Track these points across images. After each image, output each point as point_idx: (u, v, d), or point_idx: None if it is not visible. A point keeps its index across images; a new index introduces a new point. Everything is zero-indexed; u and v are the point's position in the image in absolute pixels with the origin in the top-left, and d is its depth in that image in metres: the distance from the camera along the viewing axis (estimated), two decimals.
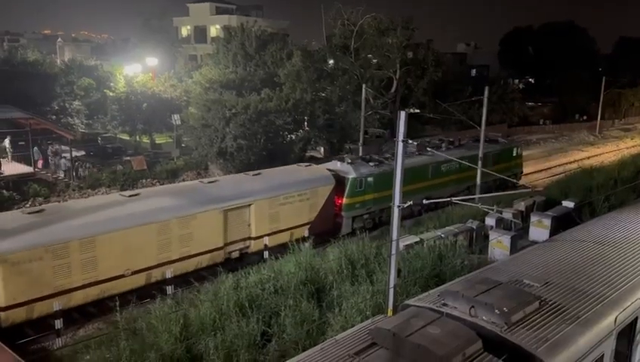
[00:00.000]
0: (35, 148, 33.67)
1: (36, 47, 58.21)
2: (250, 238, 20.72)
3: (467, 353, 7.77)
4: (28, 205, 27.14)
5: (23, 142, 34.49)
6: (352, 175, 23.98)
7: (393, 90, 41.57)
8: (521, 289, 9.93)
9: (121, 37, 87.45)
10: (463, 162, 21.47)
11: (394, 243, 11.31)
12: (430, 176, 27.77)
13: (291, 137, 35.60)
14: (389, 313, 11.15)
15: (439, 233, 20.00)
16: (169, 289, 17.38)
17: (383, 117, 39.76)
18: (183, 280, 18.02)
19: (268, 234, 20.93)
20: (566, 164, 42.27)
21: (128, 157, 37.21)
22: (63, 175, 32.97)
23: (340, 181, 23.76)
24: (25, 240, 14.95)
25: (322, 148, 39.40)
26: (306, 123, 36.90)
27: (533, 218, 22.36)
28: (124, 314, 14.46)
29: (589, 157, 45.83)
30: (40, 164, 33.37)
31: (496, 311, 8.72)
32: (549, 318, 8.96)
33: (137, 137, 43.50)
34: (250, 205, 20.41)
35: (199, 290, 15.66)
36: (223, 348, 12.25)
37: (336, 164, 24.80)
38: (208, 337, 12.64)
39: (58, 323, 14.80)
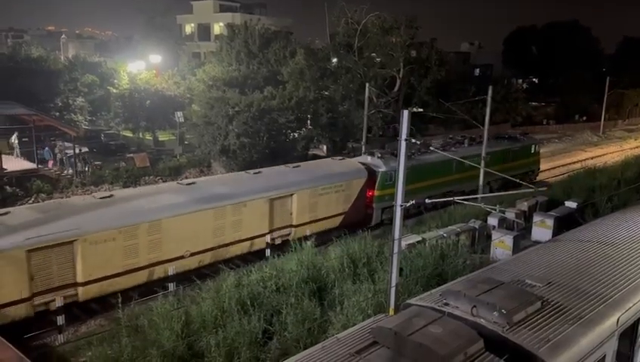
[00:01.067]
0: (47, 148, 33.85)
1: (40, 43, 58.26)
2: (291, 226, 21.96)
3: (469, 352, 7.76)
4: (31, 201, 27.20)
5: (26, 139, 34.59)
6: (382, 168, 25.22)
7: (396, 89, 41.46)
8: (523, 289, 9.91)
9: (125, 34, 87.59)
10: (464, 164, 21.79)
11: (396, 242, 11.31)
12: (454, 171, 28.63)
13: (294, 135, 35.58)
14: (391, 312, 11.15)
15: (441, 232, 19.98)
16: (171, 286, 17.42)
17: (386, 116, 39.70)
18: (184, 278, 18.07)
19: (307, 223, 22.21)
20: (570, 164, 42.21)
21: (131, 154, 37.28)
22: (72, 171, 33.04)
23: (371, 174, 24.99)
24: (101, 222, 16.30)
25: (325, 147, 39.38)
26: (308, 121, 36.87)
27: (536, 218, 22.32)
28: (126, 311, 14.50)
29: (592, 158, 45.73)
30: (50, 163, 33.38)
31: (498, 311, 8.71)
32: (551, 318, 8.95)
33: (140, 134, 43.59)
34: (292, 195, 21.72)
35: (201, 288, 15.68)
36: (225, 346, 12.26)
37: (366, 158, 25.98)
38: (210, 334, 12.66)
39: (60, 320, 14.84)
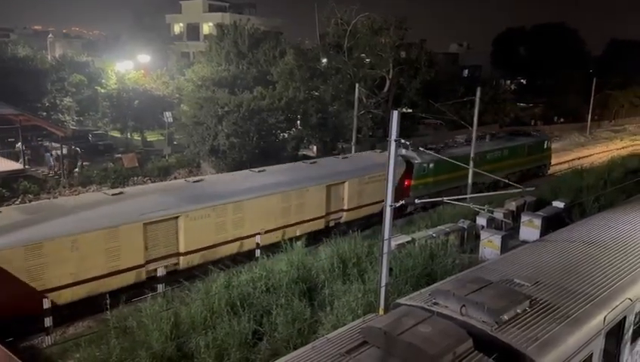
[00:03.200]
0: (48, 153, 33.60)
1: (27, 42, 57.52)
2: (343, 210, 24.47)
3: (458, 352, 7.81)
4: (18, 202, 26.93)
5: (12, 139, 34.22)
6: (417, 160, 27.86)
7: (386, 89, 41.54)
8: (512, 288, 9.99)
9: (113, 34, 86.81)
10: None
11: (386, 242, 11.34)
12: (487, 161, 31.77)
13: (284, 136, 35.53)
14: (381, 312, 11.17)
15: (431, 232, 20.09)
16: (160, 287, 17.33)
17: (376, 116, 39.77)
18: (173, 279, 17.99)
19: (355, 208, 24.68)
20: (556, 164, 42.62)
21: (119, 155, 37.00)
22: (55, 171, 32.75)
23: (408, 165, 27.49)
24: (198, 201, 18.77)
25: (315, 147, 39.38)
26: (298, 121, 36.84)
27: (524, 218, 22.50)
28: (115, 313, 14.40)
29: (579, 158, 46.17)
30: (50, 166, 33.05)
31: (487, 310, 8.77)
32: (539, 317, 9.03)
33: (128, 134, 43.25)
34: (344, 182, 24.17)
35: (190, 289, 15.62)
36: (214, 347, 12.23)
37: (401, 151, 27.07)
38: (199, 335, 12.61)
39: (47, 321, 14.70)
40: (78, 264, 15.79)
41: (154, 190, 19.74)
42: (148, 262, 17.51)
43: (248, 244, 20.27)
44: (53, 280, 15.32)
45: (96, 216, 16.43)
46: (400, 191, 25.75)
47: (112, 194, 18.05)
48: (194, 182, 20.40)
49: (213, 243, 19.13)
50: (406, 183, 27.24)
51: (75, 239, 15.67)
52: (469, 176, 28.28)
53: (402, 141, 11.19)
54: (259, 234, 20.43)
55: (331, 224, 23.97)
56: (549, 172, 39.12)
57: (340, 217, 24.40)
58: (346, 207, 24.48)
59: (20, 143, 33.04)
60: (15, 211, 16.83)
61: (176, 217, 18.11)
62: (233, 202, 19.71)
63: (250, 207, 20.25)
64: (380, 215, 22.47)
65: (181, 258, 18.44)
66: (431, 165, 28.12)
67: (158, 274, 17.56)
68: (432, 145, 30.39)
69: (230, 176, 22.95)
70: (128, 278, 16.99)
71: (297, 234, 21.34)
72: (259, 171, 22.52)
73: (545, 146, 38.23)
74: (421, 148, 26.49)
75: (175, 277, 17.88)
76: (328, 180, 23.47)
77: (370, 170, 25.25)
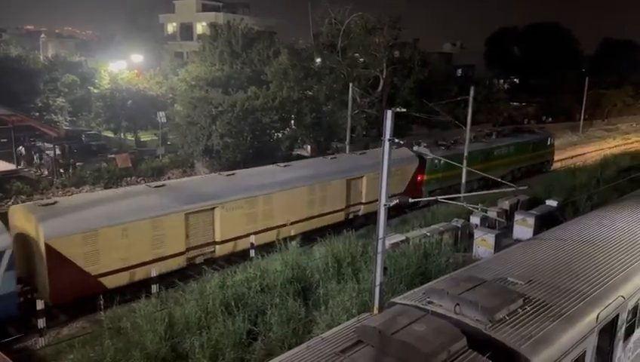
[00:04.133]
0: (37, 154, 33.46)
1: (19, 42, 57.24)
2: (361, 203, 25.44)
3: (452, 350, 7.83)
4: (10, 203, 26.78)
5: (5, 140, 34.00)
6: (429, 156, 29.10)
7: (380, 89, 41.56)
8: (505, 287, 10.04)
9: (106, 33, 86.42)
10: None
11: (380, 242, 11.35)
12: (495, 157, 33.76)
13: (278, 135, 35.49)
14: (375, 311, 11.19)
15: (425, 231, 20.12)
16: (154, 287, 17.27)
17: (370, 116, 39.81)
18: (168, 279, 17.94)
19: (373, 201, 24.63)
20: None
21: (113, 155, 36.85)
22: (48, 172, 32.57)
23: (421, 160, 28.73)
24: (231, 193, 19.97)
25: (309, 147, 39.37)
26: (292, 121, 36.80)
27: (518, 217, 22.58)
28: (109, 313, 14.34)
29: (572, 157, 46.43)
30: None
31: (481, 308, 8.80)
32: (533, 316, 9.07)
33: (122, 135, 43.08)
34: (362, 176, 25.17)
35: (184, 289, 15.58)
36: (209, 347, 12.20)
37: (414, 147, 29.69)
38: (193, 336, 12.58)
39: (41, 322, 14.62)
40: (128, 250, 16.96)
41: (191, 183, 21.39)
42: (188, 250, 18.86)
43: (275, 235, 21.03)
44: (106, 265, 16.47)
45: (142, 207, 17.65)
46: (413, 186, 28.08)
47: (155, 186, 19.42)
48: (227, 175, 21.70)
49: (245, 232, 20.32)
50: (419, 178, 28.46)
51: (126, 227, 16.84)
52: (477, 172, 28.75)
53: (396, 140, 11.20)
54: (285, 225, 21.78)
55: (350, 216, 25.05)
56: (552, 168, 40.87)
57: (359, 210, 25.38)
58: (364, 200, 25.51)
59: (21, 147, 32.99)
60: (71, 201, 18.22)
61: (213, 208, 19.41)
62: (263, 194, 20.95)
63: (278, 199, 21.46)
64: (395, 208, 23.04)
65: (217, 246, 19.74)
66: (441, 161, 29.26)
67: (196, 262, 18.97)
68: (443, 142, 31.61)
69: (259, 170, 23.94)
70: (171, 264, 18.22)
71: (320, 225, 22.71)
72: (284, 166, 23.86)
73: (548, 143, 39.83)
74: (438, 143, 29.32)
75: (211, 265, 18.58)
76: (348, 174, 24.55)
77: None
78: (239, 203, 20.06)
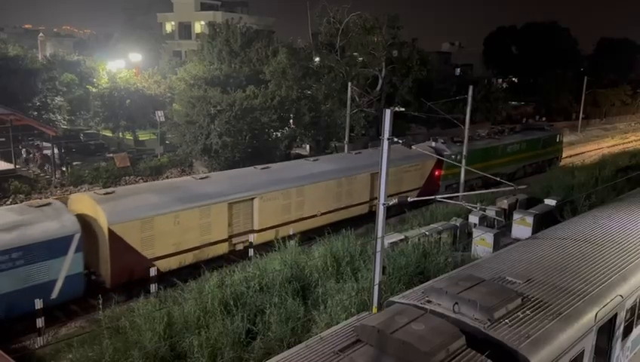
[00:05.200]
0: (30, 154, 33.42)
1: (17, 41, 57.17)
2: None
3: (451, 349, 7.84)
4: (9, 202, 26.73)
5: (3, 139, 33.93)
6: (447, 152, 30.11)
7: (378, 88, 41.54)
8: (504, 286, 10.05)
9: (105, 32, 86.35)
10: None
11: (379, 241, 11.36)
12: (500, 155, 34.97)
13: (277, 135, 35.47)
14: (374, 310, 11.20)
15: (423, 230, 20.13)
16: (153, 287, 17.27)
17: (369, 115, 39.79)
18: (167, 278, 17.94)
19: (396, 194, 25.99)
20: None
21: (111, 154, 36.79)
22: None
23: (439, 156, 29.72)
24: (268, 185, 21.33)
25: (308, 146, 39.34)
26: (291, 120, 36.78)
27: (516, 216, 22.61)
28: (107, 313, 14.33)
29: (570, 156, 46.50)
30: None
31: (480, 307, 8.81)
32: (531, 315, 9.08)
33: (120, 134, 43.01)
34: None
35: (183, 288, 15.57)
36: (208, 346, 12.19)
37: (431, 143, 31.19)
38: (192, 335, 12.57)
39: (39, 322, 14.61)
40: (179, 236, 18.30)
41: (232, 175, 22.53)
42: (231, 237, 20.23)
43: (307, 225, 22.60)
44: (160, 249, 17.78)
45: (191, 196, 19.00)
46: (432, 180, 29.39)
47: (200, 178, 20.88)
48: (262, 168, 22.94)
49: (279, 222, 21.61)
50: (437, 173, 29.53)
51: (178, 215, 18.19)
52: (493, 166, 32.02)
53: (395, 139, 11.20)
54: (315, 215, 23.07)
55: (374, 209, 25.40)
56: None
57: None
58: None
59: (22, 147, 32.97)
60: (127, 191, 19.52)
61: (252, 198, 20.80)
62: (296, 187, 22.23)
63: (309, 191, 22.67)
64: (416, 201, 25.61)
65: (255, 234, 20.91)
66: (458, 156, 29.96)
67: (236, 249, 20.37)
68: (458, 139, 32.25)
69: (290, 164, 25.75)
70: (216, 250, 19.58)
71: (346, 216, 23.90)
72: (313, 160, 25.36)
73: (557, 140, 41.35)
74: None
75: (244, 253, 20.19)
76: (372, 169, 24.95)
77: (408, 160, 27.59)
78: (275, 194, 21.44)
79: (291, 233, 21.43)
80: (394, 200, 11.94)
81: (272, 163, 26.51)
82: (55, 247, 15.30)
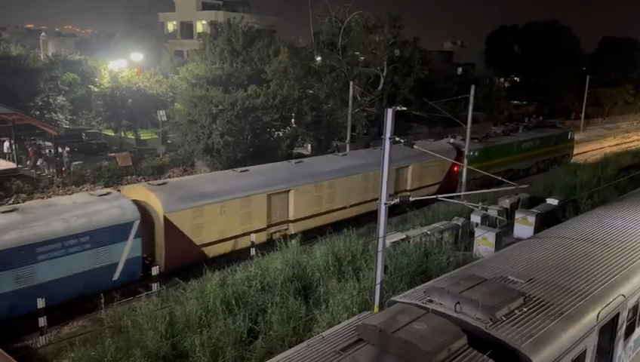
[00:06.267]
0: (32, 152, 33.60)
1: (19, 41, 57.31)
2: (407, 190, 27.85)
3: (452, 348, 7.83)
4: (11, 201, 26.77)
5: (5, 138, 33.99)
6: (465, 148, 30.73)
7: (380, 87, 41.50)
8: (506, 285, 10.04)
9: (106, 32, 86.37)
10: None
11: (381, 240, 11.35)
12: (522, 150, 36.39)
13: (278, 134, 35.48)
14: (376, 309, 11.19)
15: (425, 230, 20.11)
16: (154, 286, 17.29)
17: (370, 114, 39.78)
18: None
19: (417, 188, 28.14)
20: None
21: (113, 154, 36.83)
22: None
23: (458, 152, 30.71)
24: (302, 178, 22.58)
25: (309, 146, 39.34)
26: (293, 120, 36.79)
27: (518, 215, 22.58)
28: (109, 312, 14.34)
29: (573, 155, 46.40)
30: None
31: (481, 307, 8.80)
32: (533, 314, 9.07)
33: (122, 133, 43.07)
34: (408, 166, 27.62)
35: (185, 288, 15.58)
36: (209, 345, 12.20)
37: (450, 140, 32.09)
38: (194, 334, 12.58)
39: (42, 321, 14.63)
40: (224, 225, 19.56)
41: (269, 169, 23.53)
42: (269, 226, 21.46)
43: (336, 216, 23.58)
44: (207, 236, 19.06)
45: (235, 188, 20.32)
46: (451, 176, 30.56)
47: (240, 171, 22.04)
48: (295, 163, 24.27)
49: (312, 213, 22.83)
50: (455, 168, 30.34)
51: (224, 204, 19.48)
52: (509, 163, 34.03)
53: (396, 139, 11.19)
54: (344, 207, 24.12)
55: (396, 203, 26.37)
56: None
57: (406, 196, 27.25)
58: (409, 187, 28.00)
59: (29, 146, 33.03)
60: (178, 182, 20.71)
61: (289, 190, 21.94)
62: (328, 180, 23.35)
63: (340, 184, 23.66)
64: (437, 194, 26.27)
65: (290, 224, 22.14)
66: (476, 153, 31.32)
67: (274, 238, 21.13)
68: (475, 135, 33.21)
69: (322, 158, 26.89)
70: (257, 238, 20.45)
71: (372, 209, 23.72)
72: (342, 155, 26.70)
73: (569, 137, 42.68)
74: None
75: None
76: (396, 164, 25.95)
77: (429, 156, 28.06)
78: (309, 187, 22.61)
79: (315, 225, 22.58)
80: (395, 200, 11.92)
81: (273, 162, 26.58)
82: (118, 233, 16.63)
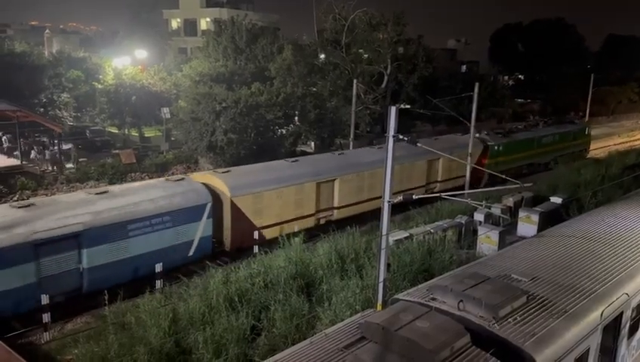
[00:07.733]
0: (33, 150, 33.68)
1: (24, 38, 57.34)
2: (437, 181, 29.79)
3: (455, 347, 7.83)
4: (15, 198, 26.85)
5: (10, 135, 34.12)
6: (491, 142, 32.93)
7: (384, 85, 41.47)
8: (509, 284, 10.02)
9: (110, 29, 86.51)
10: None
11: (384, 238, 11.34)
12: (543, 144, 38.15)
13: (282, 132, 35.46)
14: (379, 307, 11.19)
15: (428, 228, 20.09)
16: (158, 283, 17.33)
17: (374, 112, 39.73)
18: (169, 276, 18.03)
19: (446, 180, 29.98)
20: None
21: (117, 151, 36.89)
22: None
23: (485, 146, 32.46)
24: (346, 168, 24.38)
25: (313, 143, 39.33)
26: (296, 117, 36.77)
27: (522, 213, 22.53)
28: (113, 309, 14.39)
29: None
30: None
31: (485, 305, 8.79)
32: (537, 313, 9.06)
33: (126, 130, 43.14)
34: (439, 159, 28.73)
35: (188, 285, 15.61)
36: (213, 342, 12.23)
37: (476, 134, 31.98)
38: (197, 331, 12.62)
39: (46, 317, 14.69)
40: (280, 209, 21.47)
41: (316, 159, 25.68)
42: (317, 212, 23.22)
43: (374, 204, 23.62)
44: (266, 220, 20.99)
45: (289, 176, 22.16)
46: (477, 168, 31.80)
47: (292, 161, 23.89)
48: (338, 154, 26.23)
49: (354, 201, 24.43)
50: (482, 161, 31.83)
51: (281, 191, 21.42)
52: (530, 157, 35.92)
53: (400, 136, 11.16)
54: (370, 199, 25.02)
55: (429, 192, 27.50)
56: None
57: (435, 187, 29.29)
58: (440, 179, 29.72)
59: (34, 146, 33.12)
60: (240, 170, 22.19)
61: (334, 179, 23.74)
62: (368, 170, 24.72)
63: (380, 174, 22.95)
64: (463, 188, 26.99)
65: (335, 211, 23.91)
66: (501, 147, 32.91)
67: (320, 223, 23.06)
68: (499, 130, 35.42)
69: (361, 150, 28.38)
70: (306, 223, 22.35)
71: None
72: (378, 148, 27.75)
73: (586, 133, 44.19)
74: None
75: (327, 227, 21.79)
76: (429, 156, 27.40)
77: (457, 149, 29.37)
78: (352, 176, 24.28)
79: (352, 213, 23.92)
80: (399, 198, 11.90)
81: (276, 160, 26.59)
82: (193, 213, 18.54)
